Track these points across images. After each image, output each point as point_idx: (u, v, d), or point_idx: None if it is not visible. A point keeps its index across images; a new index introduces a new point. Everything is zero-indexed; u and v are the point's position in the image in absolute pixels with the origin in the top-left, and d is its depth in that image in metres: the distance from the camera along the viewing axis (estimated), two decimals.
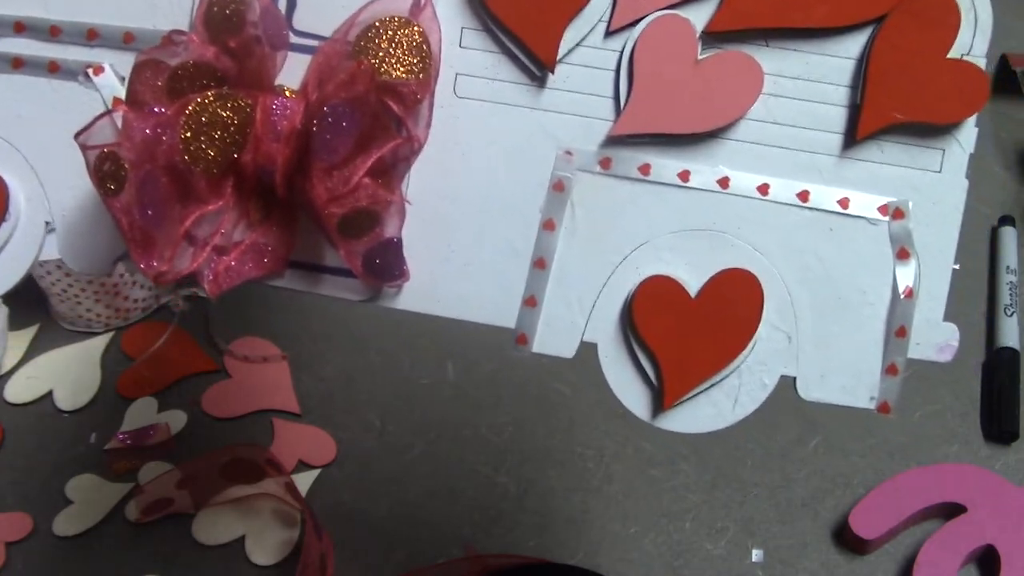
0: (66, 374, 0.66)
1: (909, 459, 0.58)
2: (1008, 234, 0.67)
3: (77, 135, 0.31)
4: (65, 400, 0.64)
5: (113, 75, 0.35)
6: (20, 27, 0.35)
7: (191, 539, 0.58)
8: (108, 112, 0.31)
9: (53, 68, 0.35)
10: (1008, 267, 0.65)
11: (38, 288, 0.67)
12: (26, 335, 0.68)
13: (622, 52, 0.34)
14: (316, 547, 0.53)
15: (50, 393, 0.65)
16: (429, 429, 0.62)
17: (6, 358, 0.67)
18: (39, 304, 0.69)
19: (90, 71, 0.35)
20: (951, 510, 0.54)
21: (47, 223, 0.36)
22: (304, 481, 0.60)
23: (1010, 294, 0.64)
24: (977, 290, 0.66)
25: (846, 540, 0.55)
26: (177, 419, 0.63)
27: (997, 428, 0.58)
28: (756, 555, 0.55)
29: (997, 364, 0.61)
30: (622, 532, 0.57)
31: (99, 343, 0.67)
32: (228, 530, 0.58)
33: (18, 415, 0.64)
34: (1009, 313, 0.63)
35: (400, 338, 0.67)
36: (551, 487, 0.59)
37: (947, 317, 0.37)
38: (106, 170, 0.30)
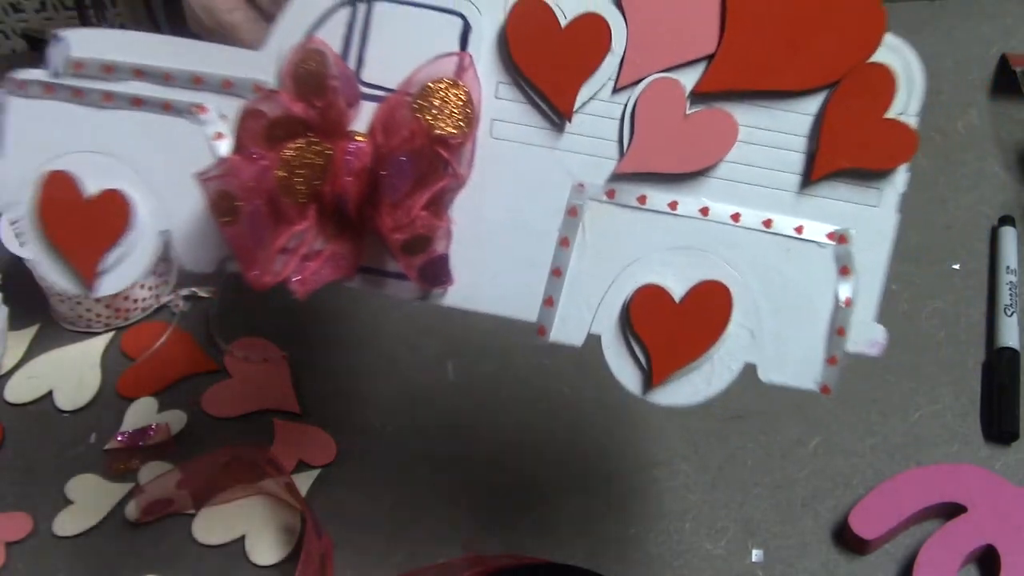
0: (66, 374, 0.66)
1: (909, 459, 0.58)
2: (1008, 234, 0.67)
3: (197, 175, 0.39)
4: (65, 400, 0.65)
5: (215, 113, 0.43)
6: (139, 73, 0.43)
7: (191, 539, 0.58)
8: (221, 161, 0.41)
9: (167, 107, 0.43)
10: (1008, 267, 0.65)
11: (38, 288, 0.67)
12: (26, 335, 0.68)
13: (626, 106, 0.42)
14: (316, 547, 0.54)
15: (50, 393, 0.65)
16: (429, 429, 0.62)
17: (6, 358, 0.67)
18: (39, 304, 0.69)
19: (196, 110, 0.43)
20: (951, 510, 0.54)
21: (162, 232, 0.44)
22: (304, 481, 0.60)
23: (1010, 294, 0.64)
24: (977, 290, 0.66)
25: (846, 540, 0.55)
26: (177, 419, 0.63)
27: (997, 428, 0.58)
28: (756, 555, 0.55)
29: (997, 364, 0.61)
30: (622, 532, 0.57)
31: (99, 343, 0.67)
32: (228, 530, 0.58)
33: (18, 415, 0.64)
34: (1009, 313, 0.63)
35: (400, 338, 0.67)
36: (551, 487, 0.59)
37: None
38: (222, 206, 0.39)
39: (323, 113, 0.41)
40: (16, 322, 0.68)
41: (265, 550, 0.57)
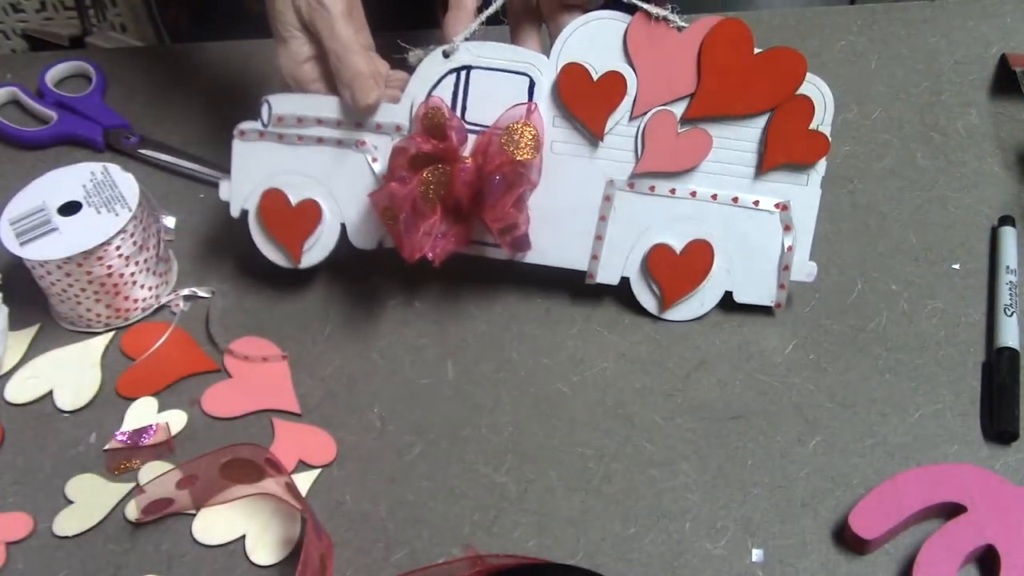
0: (66, 374, 0.66)
1: (909, 459, 0.58)
2: (1008, 234, 0.68)
3: (369, 195, 0.62)
4: (65, 400, 0.65)
5: (371, 146, 0.64)
6: (320, 122, 0.64)
7: (191, 539, 0.58)
8: (383, 186, 0.62)
9: (339, 143, 0.64)
10: (1008, 267, 0.65)
11: (38, 289, 0.67)
12: (26, 335, 0.68)
13: (639, 128, 0.62)
14: (316, 547, 0.54)
15: (50, 393, 0.65)
16: (429, 429, 0.62)
17: (6, 358, 0.67)
18: (39, 304, 0.69)
19: (359, 144, 0.64)
20: (951, 510, 0.54)
21: (342, 224, 0.66)
22: (304, 481, 0.60)
23: (1010, 294, 0.64)
24: (977, 290, 0.66)
25: (846, 540, 0.55)
26: (177, 419, 0.63)
27: (997, 428, 0.58)
28: (756, 555, 0.55)
29: (997, 364, 0.61)
30: (622, 532, 0.57)
31: (99, 343, 0.67)
32: (228, 530, 0.58)
33: (18, 415, 0.64)
34: (1009, 313, 0.63)
35: (400, 338, 0.67)
36: (551, 487, 0.59)
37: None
38: (387, 214, 0.61)
39: (443, 148, 0.61)
40: (16, 322, 0.68)
41: (265, 550, 0.57)
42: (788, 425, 0.60)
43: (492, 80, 0.62)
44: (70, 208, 0.66)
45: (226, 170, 0.79)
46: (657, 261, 0.64)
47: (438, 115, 0.61)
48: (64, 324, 0.69)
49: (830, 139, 0.61)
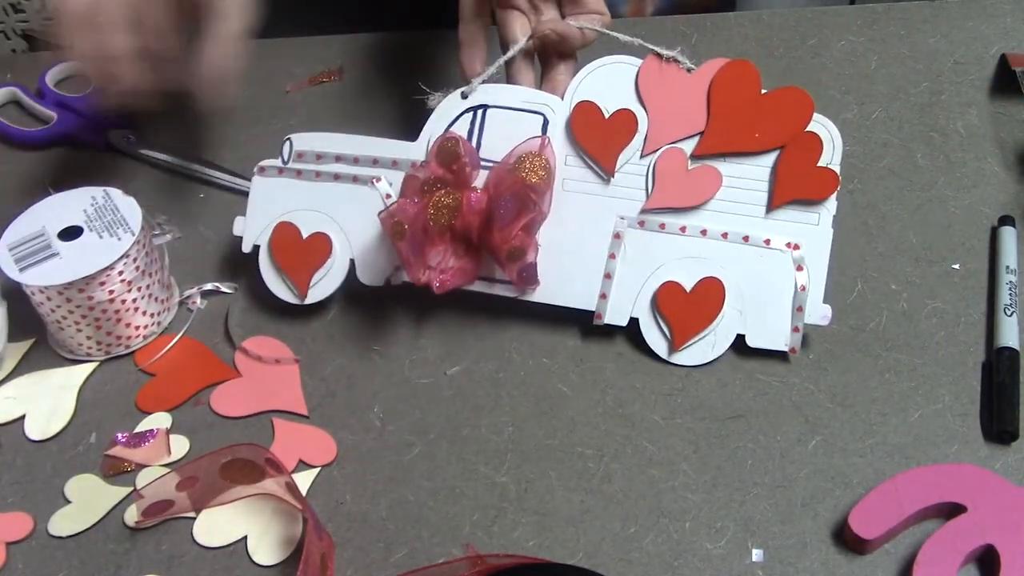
0: (43, 400, 0.65)
1: (909, 459, 0.58)
2: (1008, 234, 0.67)
3: (379, 214, 0.61)
4: (34, 429, 0.63)
5: (386, 183, 0.65)
6: (338, 158, 0.66)
7: (192, 539, 0.58)
8: (392, 204, 0.63)
9: (355, 179, 0.66)
10: (1008, 267, 0.65)
11: (38, 317, 0.66)
12: (19, 348, 0.67)
13: (649, 166, 0.63)
14: (317, 546, 0.54)
15: (23, 418, 0.64)
16: (429, 429, 0.62)
17: (6, 361, 0.67)
18: (37, 322, 0.68)
19: (374, 181, 0.66)
20: (951, 510, 0.54)
21: (351, 260, 0.66)
22: (304, 481, 0.60)
23: (1010, 294, 0.64)
24: (977, 290, 0.66)
25: (846, 540, 0.55)
26: (179, 445, 0.63)
27: (997, 428, 0.58)
28: (756, 555, 0.55)
29: (997, 364, 0.61)
30: (622, 532, 0.57)
31: (82, 371, 0.66)
32: (229, 532, 0.58)
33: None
34: (1009, 313, 0.63)
35: (400, 338, 0.67)
36: (551, 487, 0.59)
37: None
38: (395, 229, 0.60)
39: (456, 174, 0.62)
40: (13, 334, 0.67)
41: (267, 550, 0.57)
42: (788, 425, 0.60)
43: (507, 118, 0.64)
44: (71, 233, 0.64)
45: (226, 170, 0.79)
46: (667, 299, 0.62)
47: (453, 144, 0.62)
48: (61, 352, 0.67)
49: (840, 176, 0.62)
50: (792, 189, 0.62)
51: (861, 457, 0.59)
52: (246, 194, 0.68)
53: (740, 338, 0.62)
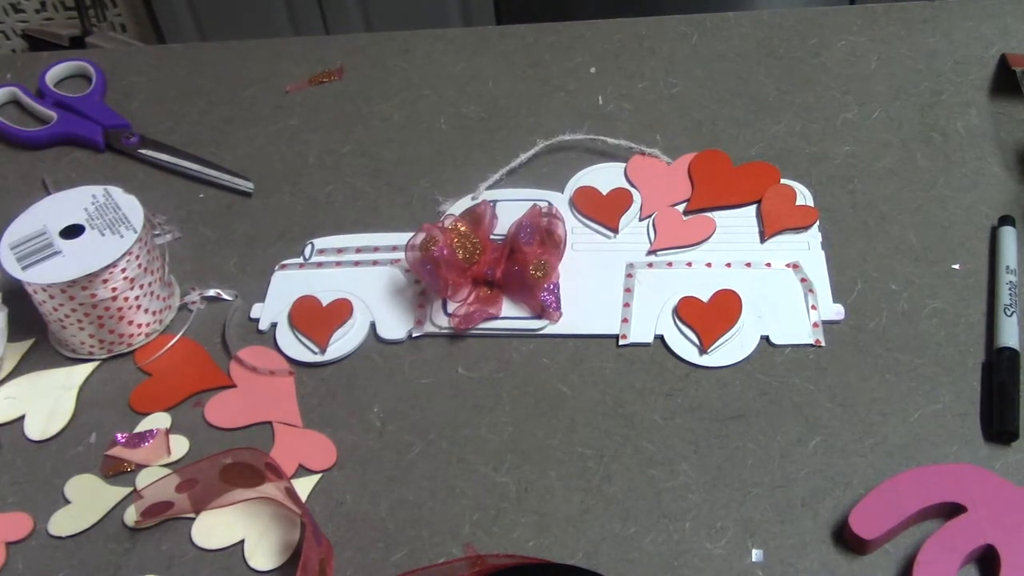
0: (43, 400, 0.65)
1: (909, 459, 0.58)
2: (1008, 234, 0.67)
3: (407, 245, 0.67)
4: (34, 429, 0.64)
5: (404, 264, 0.69)
6: (359, 250, 0.72)
7: (190, 541, 0.58)
8: (419, 232, 0.67)
9: (375, 263, 0.71)
10: (1008, 267, 0.65)
11: (38, 315, 0.66)
12: (19, 348, 0.67)
13: (648, 223, 0.72)
14: (315, 552, 0.53)
15: (23, 418, 0.64)
16: (429, 429, 0.62)
17: (6, 361, 0.67)
18: (38, 321, 0.68)
19: (393, 263, 0.71)
20: (951, 510, 0.54)
21: (372, 322, 0.68)
22: (304, 486, 0.60)
23: (1010, 294, 0.64)
24: (977, 290, 0.66)
25: (846, 540, 0.55)
26: (179, 445, 0.62)
27: (997, 428, 0.58)
28: (756, 555, 0.55)
29: (997, 364, 0.61)
30: (622, 532, 0.57)
31: (83, 371, 0.66)
32: (228, 534, 0.58)
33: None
34: (1009, 313, 0.63)
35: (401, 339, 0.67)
36: (551, 487, 0.59)
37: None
38: (425, 245, 0.66)
39: (475, 217, 0.69)
40: (13, 335, 0.67)
41: (264, 555, 0.57)
42: (788, 425, 0.60)
43: (516, 206, 0.72)
44: (72, 231, 0.64)
45: (226, 170, 0.79)
46: (688, 310, 0.65)
47: (476, 208, 0.70)
48: (63, 351, 0.67)
49: (818, 212, 0.71)
50: (779, 221, 0.70)
51: (861, 457, 0.59)
52: (247, 194, 0.68)
53: (764, 339, 0.64)
